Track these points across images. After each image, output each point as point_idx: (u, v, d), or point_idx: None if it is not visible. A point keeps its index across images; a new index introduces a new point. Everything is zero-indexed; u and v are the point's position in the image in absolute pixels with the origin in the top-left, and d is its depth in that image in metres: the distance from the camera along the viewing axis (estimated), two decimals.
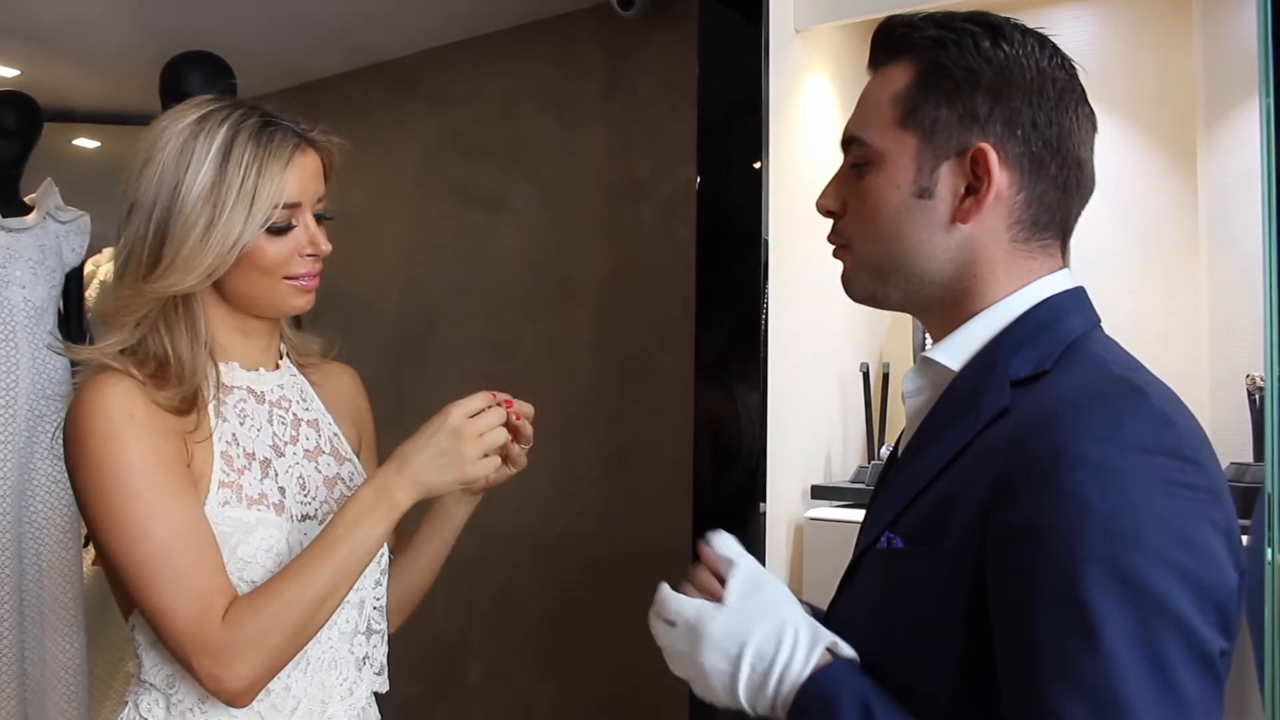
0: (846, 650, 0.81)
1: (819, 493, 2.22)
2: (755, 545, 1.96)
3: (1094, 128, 0.87)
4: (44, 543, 2.67)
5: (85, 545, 2.85)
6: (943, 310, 0.88)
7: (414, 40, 3.30)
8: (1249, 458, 1.85)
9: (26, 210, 2.80)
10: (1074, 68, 0.86)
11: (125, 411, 1.04)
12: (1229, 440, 1.89)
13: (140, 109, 3.70)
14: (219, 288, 1.12)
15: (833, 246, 0.93)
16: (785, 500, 2.14)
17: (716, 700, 0.82)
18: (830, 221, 0.93)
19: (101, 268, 3.20)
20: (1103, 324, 0.87)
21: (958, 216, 0.84)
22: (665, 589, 0.87)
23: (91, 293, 3.13)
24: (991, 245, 0.84)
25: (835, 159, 0.93)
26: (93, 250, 2.99)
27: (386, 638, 1.22)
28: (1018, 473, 0.73)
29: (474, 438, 1.06)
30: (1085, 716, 0.67)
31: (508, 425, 1.10)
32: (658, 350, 2.76)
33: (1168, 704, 0.67)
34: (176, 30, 2.92)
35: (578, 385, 2.97)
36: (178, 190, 1.06)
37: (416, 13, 3.05)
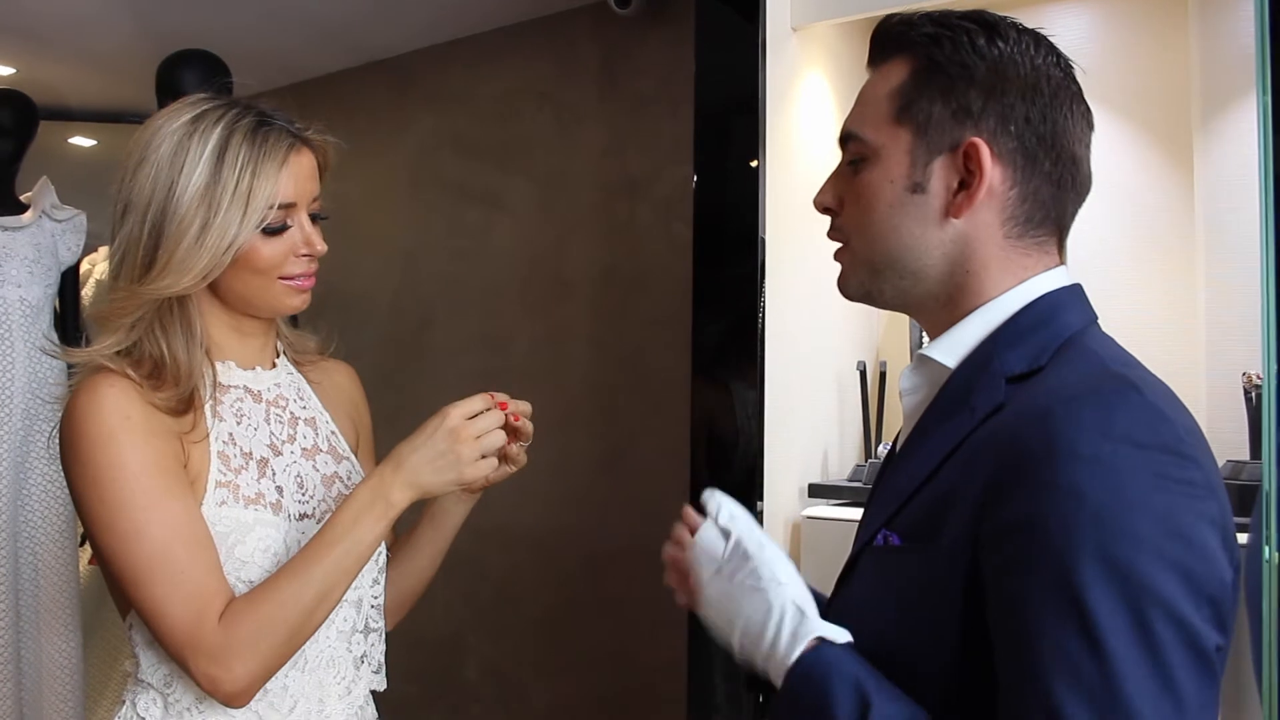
0: (841, 637, 0.80)
1: (816, 491, 2.22)
2: None
3: (1090, 125, 0.87)
4: (40, 542, 2.66)
5: (81, 544, 2.85)
6: (938, 308, 0.88)
7: (410, 38, 3.29)
8: (1245, 455, 1.86)
9: (22, 209, 2.79)
10: (1070, 65, 0.87)
11: (121, 413, 1.03)
12: (1226, 438, 1.89)
13: (136, 107, 3.70)
14: (214, 288, 1.12)
15: (833, 246, 0.93)
16: (782, 499, 2.14)
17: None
18: (829, 220, 0.93)
19: (97, 266, 3.20)
20: (1099, 321, 0.87)
21: (950, 211, 0.84)
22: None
23: (87, 291, 3.12)
24: (985, 241, 0.85)
25: (832, 157, 0.94)
26: (89, 249, 2.98)
27: (384, 636, 1.22)
28: (1012, 468, 0.73)
29: (471, 439, 1.06)
30: (1085, 712, 0.67)
31: (506, 426, 1.10)
32: (655, 348, 2.76)
33: (1167, 700, 0.67)
34: (172, 28, 2.92)
35: (574, 383, 2.97)
36: (172, 191, 1.06)
37: (413, 11, 3.04)
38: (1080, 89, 0.87)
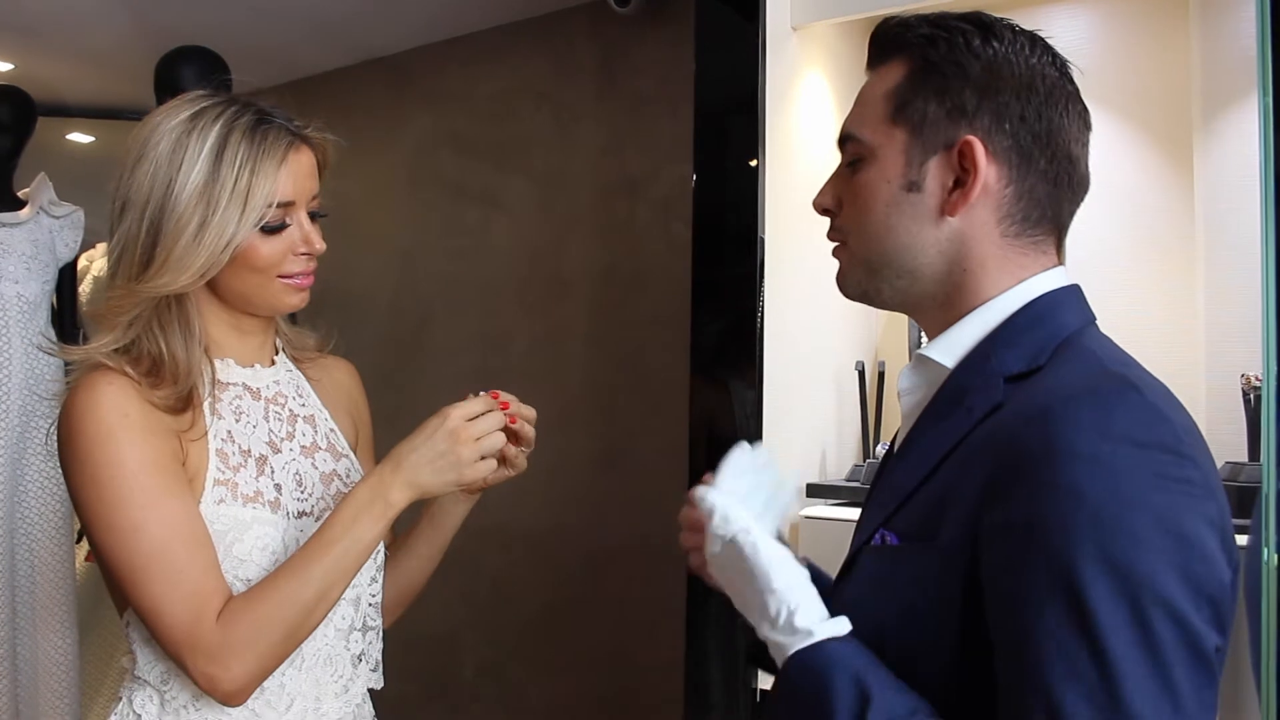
0: (841, 628, 0.80)
1: (814, 491, 2.22)
2: None
3: (1087, 126, 0.87)
4: (36, 539, 2.66)
5: (78, 541, 2.85)
6: (936, 308, 0.88)
7: (409, 36, 3.29)
8: (1244, 457, 1.86)
9: (20, 205, 2.79)
10: (1066, 66, 0.87)
11: (119, 411, 1.03)
12: (1224, 439, 1.89)
13: (134, 104, 3.69)
14: (213, 286, 1.12)
15: (832, 245, 0.94)
16: None
17: None
18: (828, 221, 0.94)
19: (95, 263, 3.19)
20: (1097, 322, 0.87)
21: (946, 209, 0.85)
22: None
23: (85, 288, 3.12)
24: (982, 239, 0.85)
25: (832, 156, 0.94)
26: (86, 245, 2.97)
27: (382, 634, 1.22)
28: (1010, 467, 0.73)
29: (471, 440, 1.06)
30: (1085, 711, 0.67)
31: (505, 429, 1.10)
32: (653, 347, 2.75)
33: (1165, 700, 0.67)
34: (170, 25, 2.91)
35: (572, 381, 2.96)
36: (170, 188, 1.05)
37: (411, 9, 3.04)
38: (1077, 89, 0.87)
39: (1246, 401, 1.87)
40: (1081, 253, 2.11)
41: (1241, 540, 1.47)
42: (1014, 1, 2.17)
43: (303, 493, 1.15)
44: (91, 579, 2.92)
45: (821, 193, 0.93)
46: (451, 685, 3.17)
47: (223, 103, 1.10)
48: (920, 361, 0.89)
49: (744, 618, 0.85)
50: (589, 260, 2.97)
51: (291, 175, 1.09)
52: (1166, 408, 0.75)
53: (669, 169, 2.74)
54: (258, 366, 1.18)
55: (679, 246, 2.33)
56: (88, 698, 2.84)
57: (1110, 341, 0.85)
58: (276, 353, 1.22)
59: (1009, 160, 0.84)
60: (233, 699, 1.02)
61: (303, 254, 1.12)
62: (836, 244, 0.93)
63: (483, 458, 1.07)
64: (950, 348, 0.86)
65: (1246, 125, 1.86)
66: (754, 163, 2.07)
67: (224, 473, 1.09)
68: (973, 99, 0.83)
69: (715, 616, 1.96)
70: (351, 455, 1.23)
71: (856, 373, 2.36)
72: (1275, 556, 1.43)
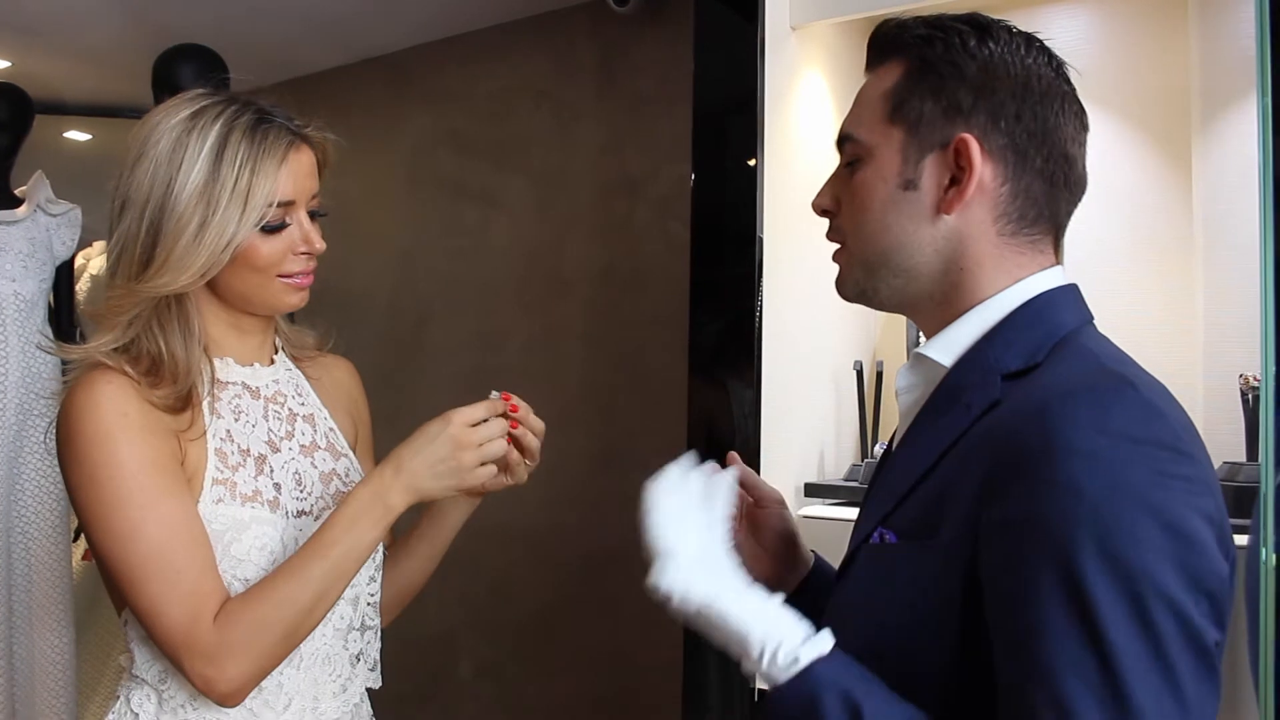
0: (825, 644, 0.79)
1: (812, 490, 2.22)
2: None
3: (1083, 126, 0.88)
4: (33, 538, 2.66)
5: (74, 540, 2.84)
6: (934, 307, 0.89)
7: (407, 35, 3.28)
8: (1242, 457, 1.86)
9: (17, 203, 2.78)
10: (1063, 66, 0.88)
11: (118, 410, 1.03)
12: (1223, 439, 1.89)
13: (132, 102, 3.69)
14: (212, 285, 1.11)
15: (832, 246, 0.94)
16: None
17: None
18: (827, 222, 0.94)
19: (92, 261, 3.19)
20: (1095, 322, 0.88)
21: (942, 207, 0.85)
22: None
23: (82, 286, 3.11)
24: (979, 238, 0.85)
25: (831, 156, 0.94)
26: (83, 243, 2.97)
27: (380, 634, 1.22)
28: (1009, 464, 0.74)
29: (473, 446, 1.06)
30: (1090, 706, 0.67)
31: (509, 435, 1.10)
32: (652, 347, 2.75)
33: (1169, 694, 0.68)
34: (168, 23, 2.91)
35: (571, 382, 2.96)
36: (170, 188, 1.05)
37: (409, 7, 3.03)
38: (1073, 90, 0.87)
39: (1245, 401, 1.87)
40: (1080, 253, 2.11)
41: (1240, 540, 1.47)
42: (1013, 1, 2.17)
43: (302, 492, 1.15)
44: (88, 578, 2.92)
45: (820, 194, 0.93)
46: (449, 685, 3.16)
47: (223, 102, 1.09)
48: (918, 360, 0.89)
49: None
50: (588, 259, 2.97)
51: (292, 174, 1.09)
52: (1164, 405, 0.75)
53: (668, 168, 2.74)
54: (257, 365, 1.18)
55: (678, 246, 2.33)
56: (84, 696, 2.84)
57: (1108, 340, 0.85)
58: (276, 352, 1.22)
59: (1005, 159, 0.84)
60: (229, 700, 1.02)
61: (303, 253, 1.12)
62: (836, 246, 0.93)
63: (484, 464, 1.07)
64: (948, 346, 0.87)
65: (1245, 126, 1.86)
66: (753, 162, 2.07)
67: (223, 472, 1.09)
68: (968, 98, 0.84)
69: None
70: (351, 454, 1.23)
71: (855, 372, 2.36)
72: (1274, 556, 1.43)
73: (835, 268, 0.94)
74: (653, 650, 2.45)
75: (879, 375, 2.38)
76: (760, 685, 0.81)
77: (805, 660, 0.77)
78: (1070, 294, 0.87)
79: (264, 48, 3.32)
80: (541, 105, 3.10)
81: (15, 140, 2.82)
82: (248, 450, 1.12)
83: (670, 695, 2.08)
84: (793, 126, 2.19)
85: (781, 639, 0.78)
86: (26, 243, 2.72)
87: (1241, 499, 1.63)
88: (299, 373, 1.24)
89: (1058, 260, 0.89)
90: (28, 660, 2.64)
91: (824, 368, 2.34)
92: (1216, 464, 1.41)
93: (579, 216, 3.01)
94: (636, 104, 2.87)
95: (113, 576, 1.04)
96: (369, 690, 1.21)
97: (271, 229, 1.09)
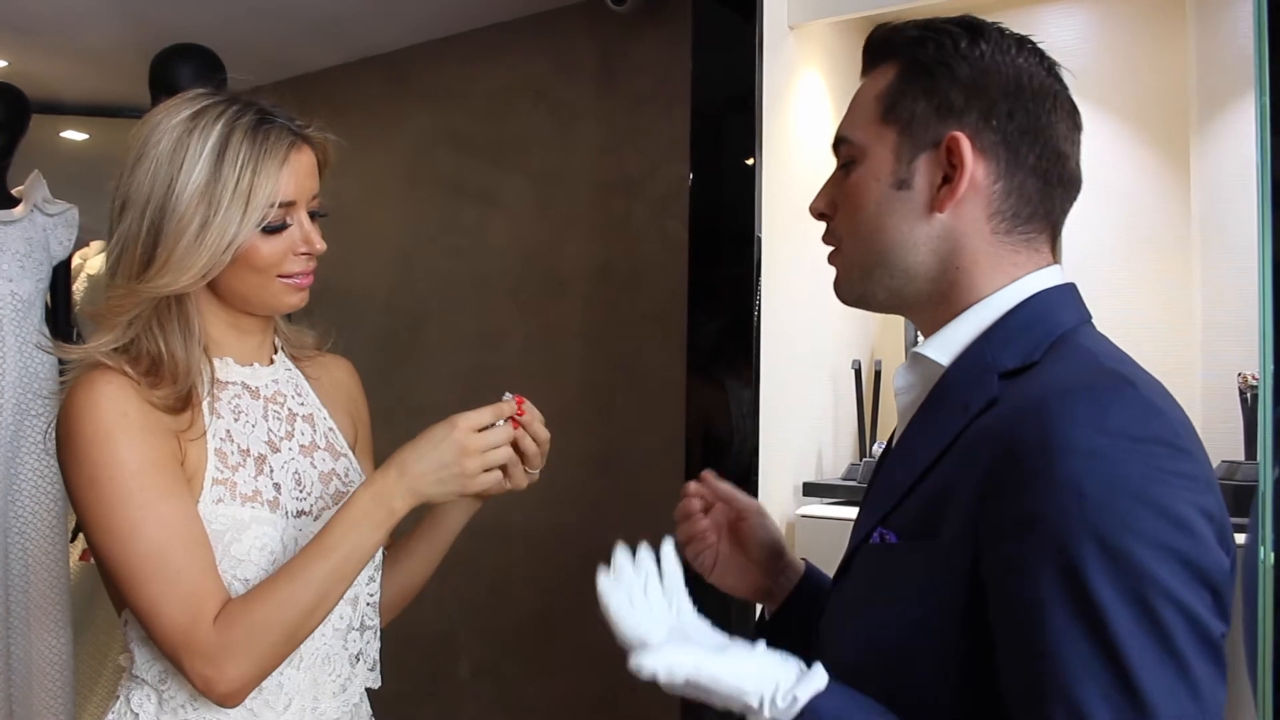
0: (818, 681, 0.78)
1: (811, 490, 2.22)
2: None
3: (1076, 125, 0.88)
4: (30, 538, 2.65)
5: (72, 540, 2.84)
6: (931, 307, 0.89)
7: (406, 34, 3.28)
8: (1240, 456, 1.86)
9: (14, 203, 2.78)
10: (1054, 67, 0.88)
11: (118, 410, 1.03)
12: (1221, 439, 1.89)
13: (129, 101, 3.69)
14: (212, 285, 1.11)
15: (828, 250, 0.94)
16: (777, 497, 2.14)
17: None
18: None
19: (89, 261, 3.18)
20: (1094, 321, 0.88)
21: (935, 205, 0.85)
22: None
23: (79, 286, 3.11)
24: (973, 236, 0.85)
25: (828, 155, 0.95)
26: (80, 243, 2.97)
27: (380, 634, 1.22)
28: (1008, 463, 0.74)
29: (478, 453, 1.06)
30: (1101, 704, 0.67)
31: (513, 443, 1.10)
32: (650, 346, 2.75)
33: (1183, 688, 0.68)
34: (165, 22, 2.90)
35: (569, 381, 2.96)
36: (172, 188, 1.05)
37: (408, 6, 3.03)
38: (1065, 89, 0.88)
39: (1243, 400, 1.87)
40: (1078, 253, 2.11)
41: (1238, 539, 1.47)
42: (1010, 1, 2.17)
43: (301, 492, 1.15)
44: (86, 578, 2.91)
45: (816, 197, 0.94)
46: (448, 685, 3.16)
47: (224, 102, 1.09)
48: (916, 360, 0.89)
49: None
50: (586, 259, 2.97)
51: (293, 175, 1.09)
52: (1163, 403, 0.75)
53: (666, 168, 2.73)
54: (256, 365, 1.18)
55: (676, 245, 2.33)
56: (82, 697, 2.84)
57: (1106, 339, 0.85)
58: (275, 351, 1.22)
59: (997, 156, 0.84)
60: (229, 700, 1.02)
61: (303, 254, 1.12)
62: (831, 249, 0.94)
63: (488, 470, 1.07)
64: (945, 345, 0.87)
65: (1243, 125, 1.87)
66: (751, 162, 2.07)
67: (223, 472, 1.09)
68: (960, 97, 0.84)
69: (712, 615, 1.96)
70: (350, 454, 1.23)
71: (853, 371, 2.36)
72: (1272, 555, 1.43)
73: (833, 267, 0.94)
74: None
75: (877, 374, 2.39)
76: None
77: (804, 698, 0.77)
78: (1068, 293, 0.87)
79: (262, 47, 3.31)
80: (540, 105, 3.09)
81: (12, 140, 2.81)
82: (247, 450, 1.12)
83: (669, 695, 2.08)
84: (791, 126, 2.19)
85: (776, 682, 0.78)
86: (23, 242, 2.72)
87: (1239, 498, 1.63)
88: (298, 372, 1.23)
89: (1055, 259, 0.89)
90: (25, 660, 2.63)
91: (822, 367, 2.34)
92: (1215, 463, 1.41)
93: (577, 216, 3.00)
94: (635, 103, 2.87)
95: (113, 577, 1.04)
96: (368, 690, 1.21)
97: (272, 229, 1.09)
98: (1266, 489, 1.44)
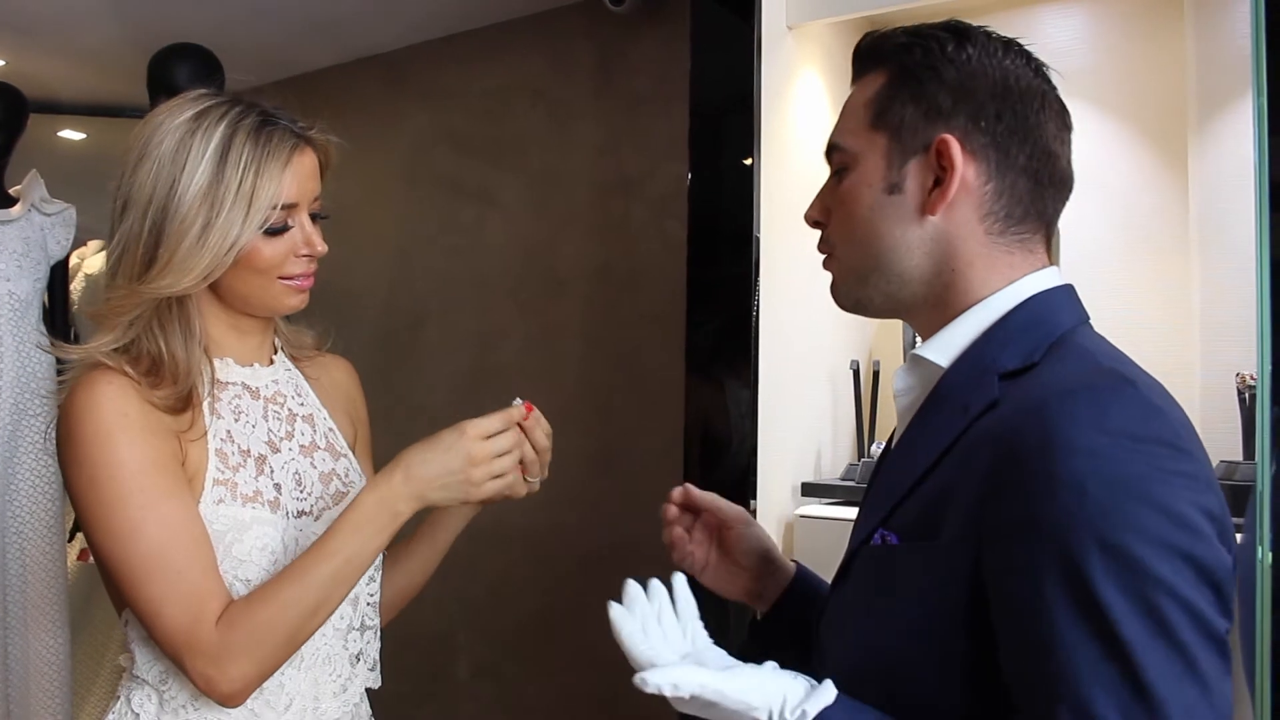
0: (825, 697, 0.78)
1: (809, 490, 2.22)
2: None
3: (1066, 124, 0.89)
4: (28, 538, 2.65)
5: (70, 539, 2.83)
6: (928, 310, 0.89)
7: (404, 34, 3.28)
8: (1239, 456, 1.86)
9: (11, 202, 2.77)
10: (1042, 68, 0.89)
11: (119, 410, 1.03)
12: (1219, 439, 1.89)
13: (127, 101, 3.68)
14: (213, 286, 1.11)
15: (823, 257, 0.95)
16: (775, 497, 2.14)
17: None
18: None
19: (86, 261, 3.18)
20: (1092, 322, 0.88)
21: (927, 208, 0.86)
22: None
23: (76, 286, 3.11)
24: (966, 238, 0.86)
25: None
26: (78, 243, 2.96)
27: (380, 634, 1.22)
28: (1009, 463, 0.74)
29: (485, 461, 1.06)
30: (1112, 706, 0.68)
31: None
32: (648, 346, 2.75)
33: (1190, 683, 0.68)
34: (163, 22, 2.90)
35: (568, 381, 2.96)
36: (174, 189, 1.05)
37: (407, 6, 3.03)
38: (1054, 88, 0.89)
39: (1241, 400, 1.87)
40: (1076, 253, 2.11)
41: (1237, 539, 1.47)
42: (1007, 2, 2.17)
43: (302, 492, 1.15)
44: (83, 578, 2.91)
45: (810, 206, 0.95)
46: (448, 685, 3.16)
47: (226, 103, 1.09)
48: (915, 362, 0.89)
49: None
50: (584, 259, 2.97)
51: (295, 177, 1.09)
52: (1163, 403, 0.75)
53: (664, 168, 2.73)
54: (256, 366, 1.18)
55: (674, 245, 2.33)
56: (79, 697, 2.83)
57: (1104, 340, 0.85)
58: (275, 352, 1.22)
59: (987, 157, 0.85)
60: (230, 700, 1.02)
61: (304, 255, 1.12)
62: (825, 256, 0.94)
63: (493, 478, 1.07)
64: (944, 347, 0.87)
65: (1241, 125, 1.87)
66: (749, 162, 2.07)
67: (223, 472, 1.09)
68: (948, 100, 0.85)
69: (711, 615, 1.96)
70: (350, 454, 1.23)
71: (851, 372, 2.36)
72: (1269, 555, 1.44)
73: (829, 274, 0.94)
74: None
75: (875, 375, 2.39)
76: None
77: (812, 713, 0.77)
78: (1066, 294, 0.87)
79: (260, 47, 3.31)
80: (538, 104, 3.09)
81: (9, 139, 2.80)
82: (248, 451, 1.12)
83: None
84: (789, 126, 2.19)
85: (784, 697, 0.78)
86: (21, 242, 2.72)
87: (1238, 497, 1.63)
88: (298, 373, 1.24)
89: (1051, 260, 0.89)
90: (23, 660, 2.63)
91: (820, 367, 2.34)
92: (1213, 463, 1.41)
93: (576, 216, 3.00)
94: (633, 103, 2.87)
95: (114, 577, 1.04)
96: (368, 690, 1.21)
97: (274, 231, 1.09)
98: (1264, 489, 1.45)
